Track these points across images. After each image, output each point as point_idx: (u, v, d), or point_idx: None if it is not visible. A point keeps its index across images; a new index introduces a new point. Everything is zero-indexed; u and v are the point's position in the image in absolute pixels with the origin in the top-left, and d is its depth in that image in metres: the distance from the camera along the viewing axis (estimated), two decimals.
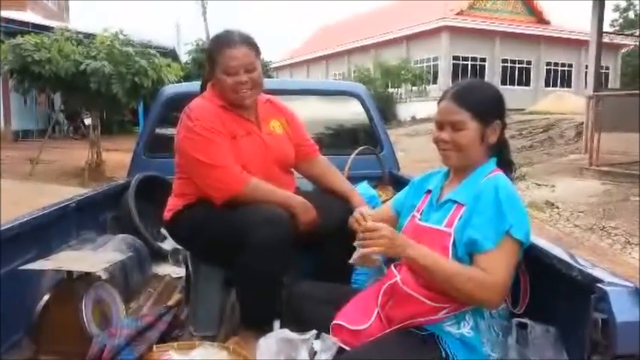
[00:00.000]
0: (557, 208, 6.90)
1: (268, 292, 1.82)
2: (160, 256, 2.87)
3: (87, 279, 1.80)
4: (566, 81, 28.05)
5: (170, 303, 2.11)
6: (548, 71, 27.66)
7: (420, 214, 1.66)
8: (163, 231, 3.01)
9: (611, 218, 6.22)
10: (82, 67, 7.93)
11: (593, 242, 5.54)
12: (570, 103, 19.20)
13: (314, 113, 3.26)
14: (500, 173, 1.56)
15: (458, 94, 1.56)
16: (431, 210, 1.64)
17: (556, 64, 27.75)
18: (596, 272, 1.22)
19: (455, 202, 1.56)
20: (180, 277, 2.59)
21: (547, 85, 27.29)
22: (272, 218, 1.76)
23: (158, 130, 3.29)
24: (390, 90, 24.56)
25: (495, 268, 1.40)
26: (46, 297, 1.74)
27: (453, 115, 1.55)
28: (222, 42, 1.94)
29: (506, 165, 1.63)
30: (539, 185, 8.25)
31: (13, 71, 8.31)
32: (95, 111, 9.40)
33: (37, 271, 1.88)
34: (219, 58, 1.92)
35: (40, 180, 8.51)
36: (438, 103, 1.62)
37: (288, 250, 1.81)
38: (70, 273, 1.76)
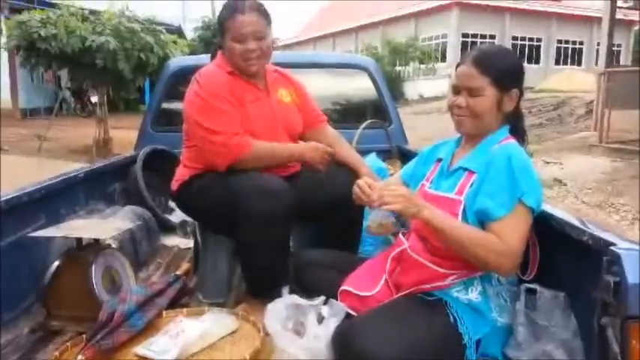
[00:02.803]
0: (566, 185, 6.86)
1: (270, 261, 1.82)
2: (169, 228, 2.89)
3: (96, 246, 1.81)
4: (577, 59, 27.61)
5: (179, 272, 2.13)
6: (558, 49, 27.22)
7: (430, 182, 1.64)
8: (171, 204, 3.03)
9: (620, 195, 6.18)
10: (88, 43, 7.89)
11: (601, 218, 5.51)
12: (581, 81, 18.91)
13: (323, 87, 3.23)
14: (513, 141, 1.54)
15: (479, 58, 1.52)
16: (441, 178, 1.62)
17: (567, 42, 27.28)
18: (608, 236, 1.21)
19: (466, 169, 1.54)
20: (189, 248, 2.60)
21: (557, 63, 26.88)
22: (270, 189, 1.75)
23: (165, 104, 3.28)
24: (398, 68, 24.31)
25: (509, 234, 1.38)
26: (56, 264, 1.76)
27: (471, 80, 1.51)
28: (233, 8, 1.91)
29: (519, 134, 1.60)
30: (548, 163, 8.18)
31: (19, 48, 8.29)
32: (101, 87, 9.38)
33: (46, 239, 1.90)
34: (229, 25, 1.90)
35: (48, 157, 8.55)
36: (457, 67, 1.58)
37: (288, 221, 1.80)
38: (79, 240, 1.77)
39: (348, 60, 3.92)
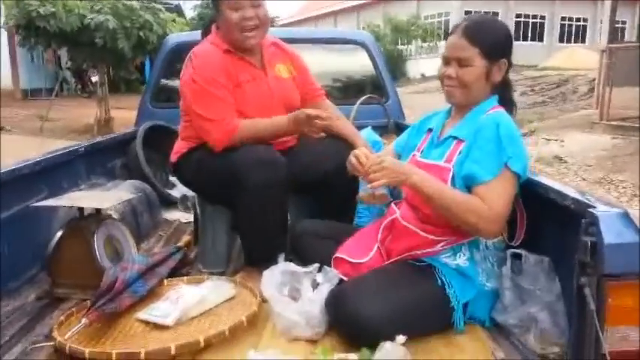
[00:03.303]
0: (566, 162, 6.88)
1: (267, 231, 1.86)
2: (170, 203, 2.93)
3: (98, 216, 1.86)
4: (581, 36, 27.29)
5: (180, 244, 2.18)
6: (562, 26, 26.89)
7: (421, 152, 1.69)
8: (172, 179, 3.08)
9: (620, 171, 6.20)
10: (87, 21, 7.88)
11: (600, 195, 5.55)
12: (584, 59, 18.74)
13: (320, 62, 3.24)
14: (501, 110, 1.57)
15: (469, 29, 1.54)
16: (431, 147, 1.66)
17: (570, 19, 26.94)
18: (589, 200, 1.26)
19: (455, 138, 1.58)
20: (190, 222, 2.65)
21: (561, 40, 26.58)
22: (266, 160, 1.78)
23: (163, 81, 3.31)
24: (400, 47, 24.10)
25: (494, 198, 1.43)
26: (59, 233, 1.81)
27: (461, 51, 1.54)
28: None
29: (507, 103, 1.64)
30: (549, 140, 8.20)
31: (18, 27, 8.28)
32: (101, 66, 9.38)
33: (50, 210, 1.96)
34: None
35: (50, 136, 8.60)
36: (447, 37, 1.61)
37: (284, 191, 1.84)
38: (81, 210, 1.82)
39: (345, 35, 3.92)
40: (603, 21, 10.35)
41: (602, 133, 8.04)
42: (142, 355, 1.30)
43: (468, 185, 1.48)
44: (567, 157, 7.09)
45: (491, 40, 1.55)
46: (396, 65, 21.76)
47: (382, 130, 3.11)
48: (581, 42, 26.53)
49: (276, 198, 1.81)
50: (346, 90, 3.56)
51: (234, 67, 1.95)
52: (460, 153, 1.53)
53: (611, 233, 1.10)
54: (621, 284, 1.10)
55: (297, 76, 2.15)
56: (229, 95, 1.90)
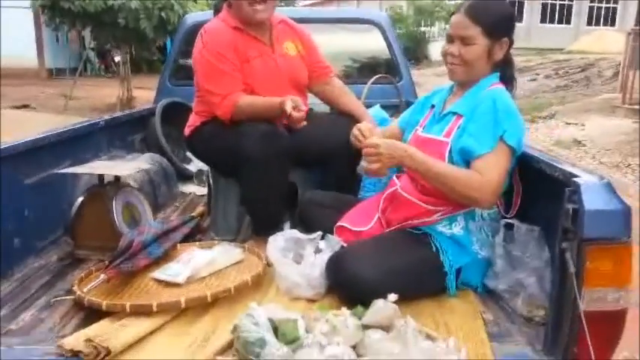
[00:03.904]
0: (584, 146, 6.82)
1: (269, 201, 1.96)
2: (186, 177, 3.05)
3: (116, 184, 1.98)
4: (610, 19, 26.53)
5: (194, 214, 2.30)
6: (591, 9, 26.14)
7: (423, 127, 1.75)
8: (189, 154, 3.19)
9: (638, 155, 6.13)
10: (110, 2, 8.02)
11: (616, 179, 5.50)
12: (612, 42, 18.24)
13: (334, 42, 3.29)
14: (500, 87, 1.63)
15: (472, 8, 1.59)
16: (433, 123, 1.72)
17: (600, 1, 26.19)
18: (575, 170, 1.31)
19: (455, 113, 1.64)
20: (205, 195, 2.76)
21: (589, 23, 25.86)
22: (267, 133, 1.87)
23: (182, 59, 3.40)
24: (423, 29, 23.77)
25: (489, 169, 1.49)
26: (80, 199, 1.93)
27: (464, 29, 1.59)
28: None
29: (508, 80, 1.69)
30: (569, 124, 8.11)
31: (44, 7, 8.47)
32: (124, 46, 9.54)
33: (72, 177, 2.08)
34: None
35: (74, 114, 8.81)
36: (451, 15, 1.66)
37: (284, 163, 1.93)
38: (101, 178, 1.94)
39: (359, 15, 3.94)
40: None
41: (623, 117, 7.90)
42: (155, 307, 1.41)
43: (465, 159, 1.55)
44: (586, 140, 7.02)
45: (494, 20, 1.59)
46: (418, 47, 21.53)
47: (394, 109, 3.16)
48: (610, 25, 25.80)
49: (277, 169, 1.90)
50: (360, 69, 3.60)
51: (242, 44, 2.02)
52: (459, 128, 1.59)
53: (592, 200, 1.16)
54: (599, 248, 1.16)
55: (305, 54, 2.21)
56: (236, 71, 1.98)
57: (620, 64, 11.19)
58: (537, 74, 13.80)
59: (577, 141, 7.05)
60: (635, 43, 8.35)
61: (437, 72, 16.96)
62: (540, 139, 7.32)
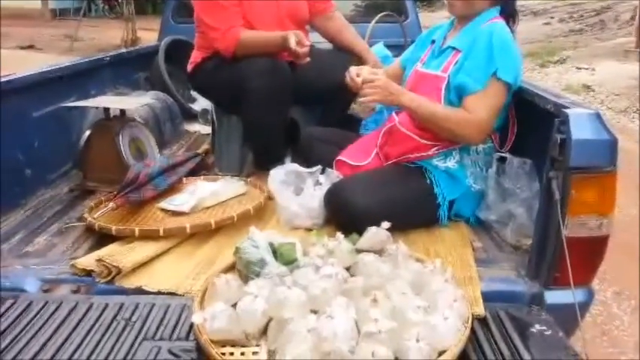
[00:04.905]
0: (593, 91, 6.73)
1: (270, 135, 2.00)
2: (191, 116, 3.08)
3: (122, 118, 2.03)
4: None
5: (199, 151, 2.35)
6: None
7: (423, 63, 1.77)
8: (194, 93, 3.21)
9: None
10: None
11: (623, 124, 5.48)
12: None
13: None
14: (499, 21, 1.62)
15: None
16: (432, 58, 1.74)
17: None
18: (566, 102, 1.34)
19: (454, 48, 1.65)
20: (209, 134, 2.81)
21: None
22: (268, 67, 1.89)
23: None
24: None
25: (479, 107, 1.53)
26: (87, 132, 1.99)
27: None
28: None
29: (509, 15, 1.68)
30: (580, 69, 7.96)
31: None
32: None
33: (79, 111, 2.13)
34: None
35: (80, 55, 8.74)
36: None
37: (286, 97, 1.95)
38: (107, 112, 1.98)
39: None
40: None
41: (635, 62, 7.73)
42: (162, 232, 1.49)
43: (460, 95, 1.58)
44: (596, 85, 6.91)
45: None
46: None
47: (400, 49, 3.13)
48: None
49: (279, 102, 1.93)
50: (366, 7, 3.55)
51: None
52: (456, 63, 1.61)
53: (580, 130, 1.20)
54: (584, 177, 1.21)
55: None
56: (236, 5, 1.98)
57: (637, 7, 10.83)
58: (552, 17, 13.38)
59: (586, 86, 6.95)
60: None
61: (448, 14, 16.50)
62: (550, 84, 7.22)
